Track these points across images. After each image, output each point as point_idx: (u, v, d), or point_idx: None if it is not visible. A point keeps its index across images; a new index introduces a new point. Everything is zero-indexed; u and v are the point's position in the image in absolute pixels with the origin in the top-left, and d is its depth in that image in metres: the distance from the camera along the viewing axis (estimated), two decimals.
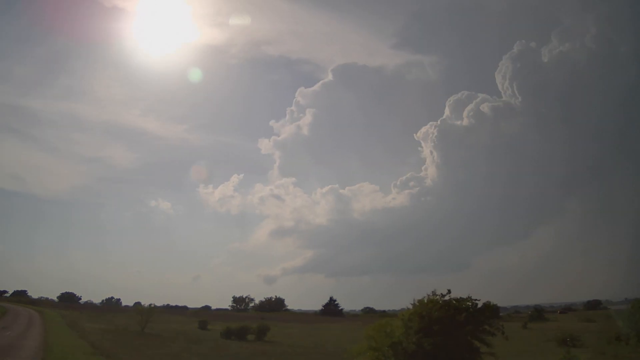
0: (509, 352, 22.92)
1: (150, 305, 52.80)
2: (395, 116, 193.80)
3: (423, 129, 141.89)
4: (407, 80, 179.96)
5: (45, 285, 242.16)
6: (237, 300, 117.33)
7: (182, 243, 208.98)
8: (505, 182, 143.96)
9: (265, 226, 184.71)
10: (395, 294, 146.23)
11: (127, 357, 24.10)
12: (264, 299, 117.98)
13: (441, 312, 15.31)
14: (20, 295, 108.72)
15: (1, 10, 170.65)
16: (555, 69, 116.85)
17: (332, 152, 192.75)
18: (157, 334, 39.43)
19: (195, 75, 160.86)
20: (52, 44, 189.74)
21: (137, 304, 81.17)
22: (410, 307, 16.26)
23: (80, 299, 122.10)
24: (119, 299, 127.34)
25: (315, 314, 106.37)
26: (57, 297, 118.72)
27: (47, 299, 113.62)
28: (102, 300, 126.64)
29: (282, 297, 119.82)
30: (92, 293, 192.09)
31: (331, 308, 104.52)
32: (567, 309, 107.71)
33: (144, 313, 42.94)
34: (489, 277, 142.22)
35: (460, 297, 16.01)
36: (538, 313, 78.95)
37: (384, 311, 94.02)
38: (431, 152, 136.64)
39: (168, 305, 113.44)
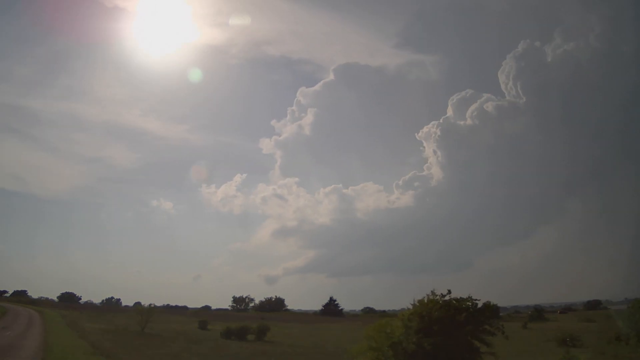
0: (509, 352, 22.91)
1: (150, 305, 52.84)
2: (397, 116, 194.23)
3: (425, 129, 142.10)
4: (408, 80, 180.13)
5: (45, 285, 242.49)
6: (237, 300, 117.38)
7: (183, 243, 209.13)
8: (507, 182, 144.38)
9: (267, 226, 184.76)
10: (397, 294, 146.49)
11: (127, 357, 24.10)
12: (264, 299, 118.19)
13: (441, 312, 15.30)
14: (20, 295, 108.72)
15: (1, 10, 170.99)
16: (558, 69, 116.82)
17: (334, 151, 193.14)
18: (157, 334, 39.43)
19: (195, 75, 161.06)
20: (52, 43, 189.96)
21: (137, 304, 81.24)
22: (410, 307, 16.26)
23: (80, 299, 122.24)
24: (119, 299, 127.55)
25: (315, 314, 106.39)
26: (57, 297, 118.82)
27: (47, 299, 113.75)
28: (102, 300, 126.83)
29: (282, 297, 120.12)
30: (92, 293, 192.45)
31: (331, 308, 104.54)
32: (567, 309, 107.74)
33: (144, 313, 42.91)
34: (490, 277, 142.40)
35: (460, 297, 16.00)
36: (538, 313, 78.99)
37: (384, 311, 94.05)
38: (434, 152, 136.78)
39: (168, 305, 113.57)
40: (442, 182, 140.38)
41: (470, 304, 15.90)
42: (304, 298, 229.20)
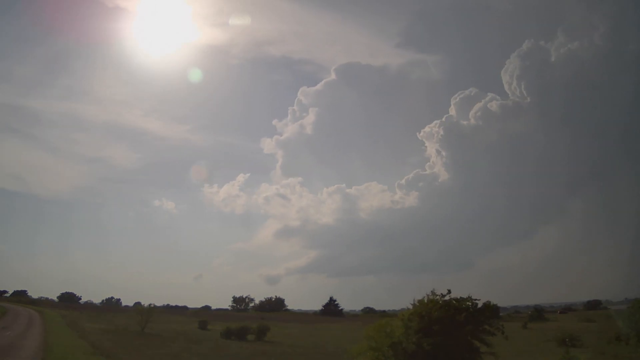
0: (509, 352, 22.91)
1: (150, 305, 52.84)
2: (399, 115, 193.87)
3: (427, 128, 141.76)
4: (410, 80, 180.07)
5: (45, 286, 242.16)
6: (237, 301, 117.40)
7: (184, 243, 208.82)
8: (509, 182, 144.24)
9: (268, 226, 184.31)
10: (398, 294, 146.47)
11: (127, 357, 24.10)
12: (264, 299, 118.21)
13: (441, 312, 15.31)
14: (20, 295, 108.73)
15: (2, 10, 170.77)
16: (562, 68, 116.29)
17: (336, 151, 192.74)
18: (157, 334, 39.43)
19: (196, 75, 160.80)
20: (53, 43, 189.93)
21: (137, 304, 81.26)
22: (410, 307, 16.27)
23: (80, 299, 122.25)
24: (119, 299, 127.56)
25: (315, 314, 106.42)
26: (57, 297, 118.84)
27: (47, 299, 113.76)
28: (102, 300, 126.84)
29: (283, 297, 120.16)
30: (92, 293, 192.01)
31: (331, 308, 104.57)
32: (567, 309, 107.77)
33: (144, 313, 42.91)
34: (491, 277, 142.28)
35: (460, 297, 16.01)
36: (538, 313, 79.01)
37: (384, 311, 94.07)
38: (436, 152, 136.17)
39: (168, 305, 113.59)
40: (444, 182, 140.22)
41: (470, 304, 15.91)
42: (305, 298, 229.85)
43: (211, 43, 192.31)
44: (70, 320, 47.67)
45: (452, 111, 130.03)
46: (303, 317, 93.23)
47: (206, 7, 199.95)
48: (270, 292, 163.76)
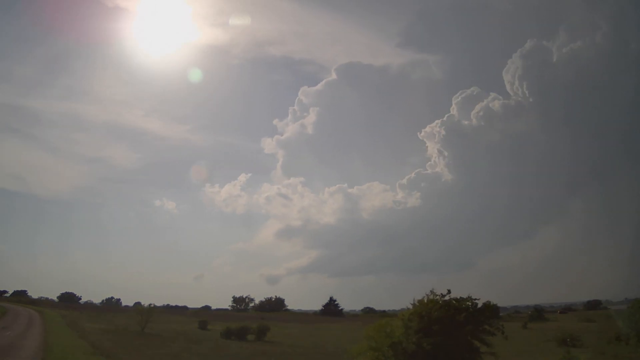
0: (509, 352, 22.92)
1: (150, 305, 52.83)
2: (400, 115, 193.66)
3: (428, 128, 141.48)
4: (411, 79, 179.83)
5: (46, 286, 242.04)
6: (237, 301, 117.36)
7: (185, 243, 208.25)
8: (510, 182, 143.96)
9: (270, 226, 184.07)
10: (399, 294, 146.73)
11: (127, 357, 24.10)
12: (264, 299, 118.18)
13: (441, 312, 15.32)
14: (20, 295, 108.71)
15: (2, 10, 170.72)
16: (564, 68, 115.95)
17: (337, 150, 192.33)
18: (157, 334, 39.44)
19: (195, 75, 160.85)
20: (53, 43, 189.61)
21: (137, 304, 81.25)
22: (410, 307, 16.27)
23: (80, 299, 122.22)
24: (119, 299, 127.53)
25: (315, 314, 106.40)
26: (57, 297, 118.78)
27: (47, 299, 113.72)
28: (102, 300, 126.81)
29: (283, 297, 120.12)
30: (92, 293, 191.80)
31: (331, 308, 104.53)
32: (567, 309, 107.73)
33: (144, 313, 42.91)
34: (492, 277, 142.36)
35: (460, 297, 16.02)
36: (538, 313, 78.98)
37: (384, 311, 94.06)
38: (438, 151, 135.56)
39: (168, 305, 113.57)
40: (445, 182, 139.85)
41: (470, 304, 15.92)
42: (305, 298, 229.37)
43: (212, 43, 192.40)
44: (70, 320, 47.67)
45: (453, 110, 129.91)
46: (303, 317, 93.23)
47: (206, 7, 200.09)
48: (271, 292, 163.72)
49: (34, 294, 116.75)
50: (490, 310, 16.46)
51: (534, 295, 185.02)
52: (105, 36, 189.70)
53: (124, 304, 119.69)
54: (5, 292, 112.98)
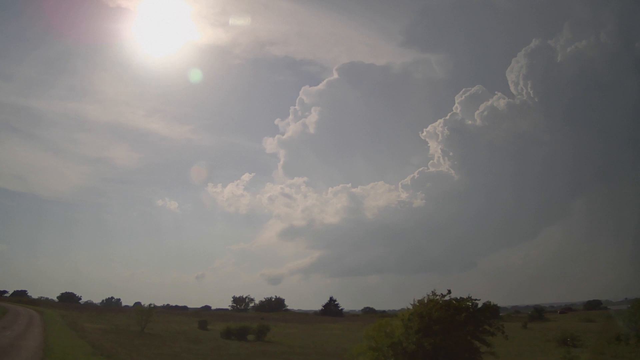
0: (509, 352, 22.93)
1: (150, 305, 52.79)
2: (402, 114, 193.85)
3: (430, 127, 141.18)
4: (414, 79, 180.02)
5: (46, 286, 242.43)
6: (237, 301, 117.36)
7: (186, 243, 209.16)
8: (513, 182, 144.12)
9: (272, 226, 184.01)
10: (401, 294, 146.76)
11: (127, 357, 24.07)
12: (264, 299, 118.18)
13: (441, 312, 15.32)
14: (20, 296, 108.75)
15: (5, 10, 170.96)
16: (568, 67, 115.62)
17: (338, 150, 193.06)
18: (157, 334, 39.43)
19: (196, 76, 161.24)
20: (55, 44, 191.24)
21: (137, 304, 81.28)
22: (410, 307, 16.27)
23: (80, 299, 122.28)
24: (119, 299, 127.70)
25: (315, 314, 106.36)
26: (57, 297, 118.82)
27: (47, 299, 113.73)
28: (102, 300, 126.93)
29: (284, 297, 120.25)
30: (92, 293, 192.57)
31: (331, 308, 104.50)
32: (567, 309, 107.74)
33: (144, 313, 42.88)
34: (495, 277, 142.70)
35: (460, 297, 16.02)
36: (538, 313, 78.96)
37: (384, 311, 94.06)
38: (441, 151, 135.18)
39: (168, 305, 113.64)
40: (449, 182, 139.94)
41: (470, 304, 15.92)
42: (307, 298, 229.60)
43: (213, 43, 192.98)
44: (70, 320, 47.65)
45: (457, 110, 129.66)
46: (303, 317, 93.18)
47: (208, 8, 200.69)
48: (272, 292, 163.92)
49: (34, 294, 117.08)
50: (490, 310, 16.47)
51: (534, 295, 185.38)
52: (107, 36, 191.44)
53: (124, 304, 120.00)
54: (5, 292, 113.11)
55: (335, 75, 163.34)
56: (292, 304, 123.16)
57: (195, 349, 30.68)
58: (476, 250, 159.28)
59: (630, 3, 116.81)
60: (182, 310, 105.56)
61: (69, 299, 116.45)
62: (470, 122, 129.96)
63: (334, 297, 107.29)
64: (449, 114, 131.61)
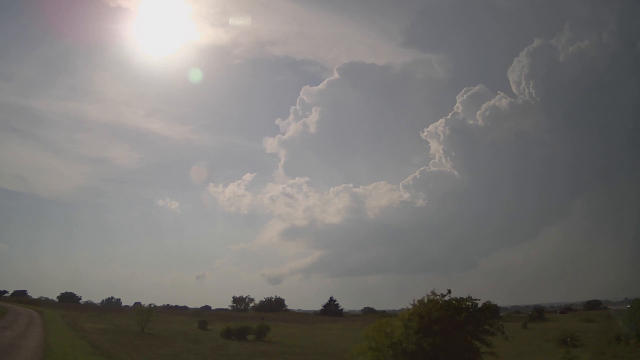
0: (509, 352, 22.92)
1: (150, 305, 52.79)
2: (403, 114, 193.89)
3: (431, 127, 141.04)
4: (415, 79, 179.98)
5: (46, 286, 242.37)
6: (237, 301, 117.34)
7: (187, 243, 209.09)
8: (514, 182, 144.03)
9: (272, 226, 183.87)
10: (403, 293, 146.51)
11: (127, 357, 24.07)
12: (264, 299, 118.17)
13: (441, 312, 15.31)
14: (20, 295, 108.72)
15: (5, 10, 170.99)
16: (570, 67, 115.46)
17: (339, 150, 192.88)
18: (157, 334, 39.44)
19: (196, 76, 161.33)
20: (55, 43, 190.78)
21: (137, 304, 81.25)
22: (410, 307, 16.26)
23: (80, 299, 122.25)
24: (119, 299, 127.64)
25: (315, 314, 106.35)
26: (57, 297, 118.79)
27: (47, 299, 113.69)
28: (102, 300, 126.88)
29: (284, 297, 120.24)
30: (92, 293, 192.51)
31: (331, 308, 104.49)
32: (567, 309, 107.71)
33: (144, 313, 42.88)
34: (495, 277, 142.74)
35: (460, 297, 16.01)
36: (538, 313, 78.96)
37: (384, 311, 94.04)
38: (442, 151, 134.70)
39: (168, 305, 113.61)
40: (450, 182, 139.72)
41: (470, 304, 15.92)
42: (307, 298, 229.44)
43: (213, 43, 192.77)
44: (70, 320, 47.64)
45: (458, 109, 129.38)
46: (303, 317, 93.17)
47: (208, 8, 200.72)
48: (273, 292, 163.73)
49: (34, 294, 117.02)
50: (490, 310, 16.47)
51: (534, 295, 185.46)
52: (107, 36, 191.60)
53: (124, 304, 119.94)
54: (5, 292, 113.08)
55: (336, 75, 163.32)
56: (292, 304, 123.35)
57: (195, 349, 30.68)
58: (476, 250, 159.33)
59: (632, 2, 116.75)
60: (182, 310, 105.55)
61: (69, 299, 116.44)
62: (472, 121, 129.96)
63: (334, 297, 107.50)
64: (451, 114, 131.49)
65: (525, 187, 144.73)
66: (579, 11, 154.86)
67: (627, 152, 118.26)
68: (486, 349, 15.46)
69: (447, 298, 15.95)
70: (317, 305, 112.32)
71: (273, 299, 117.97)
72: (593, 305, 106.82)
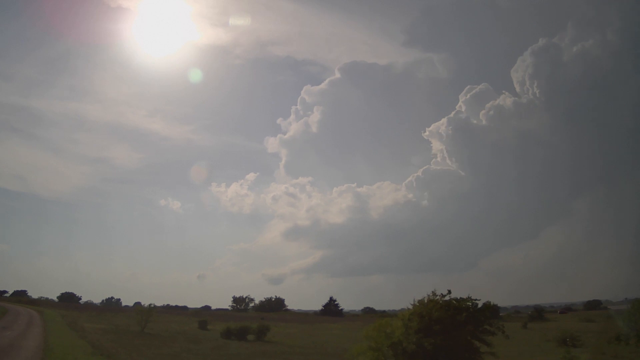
0: (509, 352, 22.92)
1: (150, 305, 52.78)
2: (404, 113, 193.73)
3: (433, 126, 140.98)
4: (417, 78, 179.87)
5: (46, 286, 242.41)
6: (237, 301, 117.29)
7: (188, 243, 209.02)
8: (516, 182, 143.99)
9: (274, 225, 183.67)
10: (404, 293, 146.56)
11: (127, 357, 24.06)
12: (264, 299, 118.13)
13: (441, 312, 15.31)
14: (20, 296, 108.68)
15: (5, 10, 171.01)
16: (574, 66, 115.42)
17: (342, 149, 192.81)
18: (157, 334, 39.43)
19: (196, 76, 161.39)
20: (55, 43, 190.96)
21: (137, 304, 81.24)
22: (411, 307, 16.26)
23: (80, 299, 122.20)
24: (119, 299, 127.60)
25: (315, 314, 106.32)
26: (57, 297, 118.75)
27: (47, 299, 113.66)
28: (102, 300, 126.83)
29: (284, 297, 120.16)
30: (92, 293, 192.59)
31: (331, 308, 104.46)
32: (567, 309, 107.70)
33: (144, 313, 42.88)
34: (496, 277, 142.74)
35: (460, 297, 16.02)
36: (538, 313, 78.96)
37: (384, 311, 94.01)
38: (445, 150, 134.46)
39: (168, 305, 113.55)
40: (452, 182, 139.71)
41: (470, 304, 15.92)
42: (307, 298, 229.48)
43: (214, 43, 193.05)
44: (70, 320, 47.63)
45: (461, 108, 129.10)
46: (303, 317, 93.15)
47: (209, 8, 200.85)
48: (273, 292, 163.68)
49: (34, 294, 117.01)
50: (490, 310, 16.46)
51: (535, 295, 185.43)
52: (107, 36, 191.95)
53: (124, 304, 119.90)
54: (5, 292, 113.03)
55: (338, 75, 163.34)
56: (292, 304, 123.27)
57: (195, 349, 30.68)
58: (477, 250, 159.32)
59: (635, 2, 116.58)
60: (182, 310, 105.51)
61: (69, 299, 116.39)
62: (475, 121, 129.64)
63: (335, 297, 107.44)
64: (453, 113, 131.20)
65: (526, 187, 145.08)
66: (582, 10, 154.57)
67: (628, 153, 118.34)
68: (486, 349, 15.46)
69: (447, 298, 15.95)
70: (317, 306, 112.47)
71: (273, 299, 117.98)
72: (593, 305, 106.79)
